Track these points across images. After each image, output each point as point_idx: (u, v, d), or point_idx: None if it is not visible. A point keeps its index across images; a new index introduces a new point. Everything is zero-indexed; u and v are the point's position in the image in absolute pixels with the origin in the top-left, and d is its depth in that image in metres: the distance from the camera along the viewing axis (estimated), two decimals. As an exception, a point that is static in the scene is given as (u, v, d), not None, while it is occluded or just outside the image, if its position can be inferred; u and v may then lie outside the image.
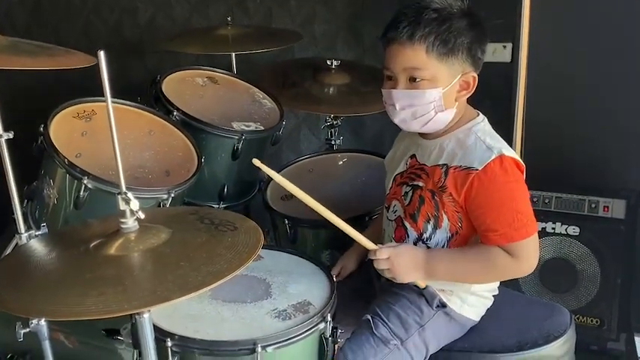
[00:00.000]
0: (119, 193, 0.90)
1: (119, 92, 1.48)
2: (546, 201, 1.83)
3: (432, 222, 1.20)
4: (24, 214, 1.30)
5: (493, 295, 1.30)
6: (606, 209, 1.77)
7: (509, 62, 1.96)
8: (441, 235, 1.21)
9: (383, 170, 1.42)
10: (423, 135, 1.25)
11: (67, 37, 2.61)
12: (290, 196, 1.70)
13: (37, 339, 1.19)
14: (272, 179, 1.74)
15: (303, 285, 1.19)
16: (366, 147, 2.07)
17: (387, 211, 1.30)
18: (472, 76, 1.17)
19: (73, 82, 1.78)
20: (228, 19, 2.02)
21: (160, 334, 1.02)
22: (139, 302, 0.79)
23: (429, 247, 1.22)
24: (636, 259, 1.79)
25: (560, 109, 1.88)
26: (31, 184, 1.48)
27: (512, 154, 1.15)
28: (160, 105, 1.65)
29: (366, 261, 1.41)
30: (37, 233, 1.24)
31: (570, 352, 1.28)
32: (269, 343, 1.02)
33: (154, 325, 0.99)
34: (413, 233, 1.23)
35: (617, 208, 1.76)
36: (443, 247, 1.21)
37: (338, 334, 1.13)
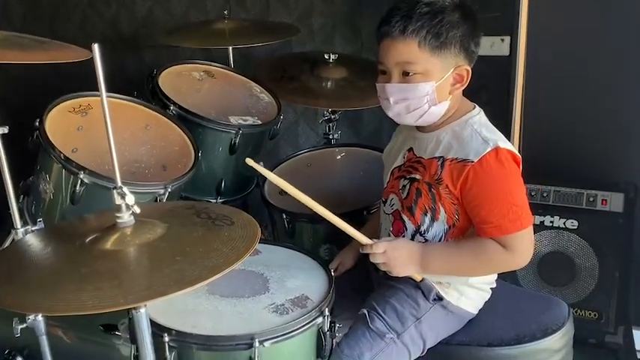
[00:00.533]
0: (115, 188, 0.90)
1: (116, 87, 1.48)
2: (544, 194, 1.83)
3: (429, 214, 1.20)
4: (20, 210, 1.29)
5: (491, 288, 1.31)
6: (604, 202, 1.77)
7: (507, 55, 1.96)
8: (438, 228, 1.21)
9: (381, 165, 1.42)
10: (419, 128, 1.25)
11: (64, 31, 2.60)
12: (288, 191, 1.70)
13: (34, 335, 1.19)
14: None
15: (301, 279, 1.19)
16: (364, 141, 2.07)
17: (385, 205, 1.30)
18: (465, 69, 1.17)
19: (69, 77, 1.77)
20: (225, 12, 2.01)
21: (157, 329, 1.02)
22: (134, 297, 0.78)
23: (426, 240, 1.22)
24: (634, 252, 1.79)
25: (558, 102, 1.87)
26: (27, 180, 1.48)
27: (509, 146, 1.16)
28: (157, 99, 1.65)
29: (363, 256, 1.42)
30: (33, 228, 1.24)
31: (568, 345, 1.28)
32: (266, 337, 1.02)
33: (151, 321, 0.98)
34: (411, 226, 1.23)
35: (615, 202, 1.76)
36: (440, 239, 1.21)
37: (336, 328, 1.13)
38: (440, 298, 1.24)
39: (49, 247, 1.00)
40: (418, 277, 1.22)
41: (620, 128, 1.83)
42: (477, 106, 1.24)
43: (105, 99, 0.87)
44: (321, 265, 1.25)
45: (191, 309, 1.10)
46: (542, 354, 1.23)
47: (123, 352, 1.25)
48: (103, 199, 1.21)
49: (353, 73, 1.99)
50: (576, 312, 1.78)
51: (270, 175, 1.14)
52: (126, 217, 0.92)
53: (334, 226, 1.56)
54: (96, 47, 0.83)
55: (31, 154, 1.43)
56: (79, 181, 1.29)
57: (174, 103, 1.61)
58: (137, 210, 0.90)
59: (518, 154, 1.17)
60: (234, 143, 1.64)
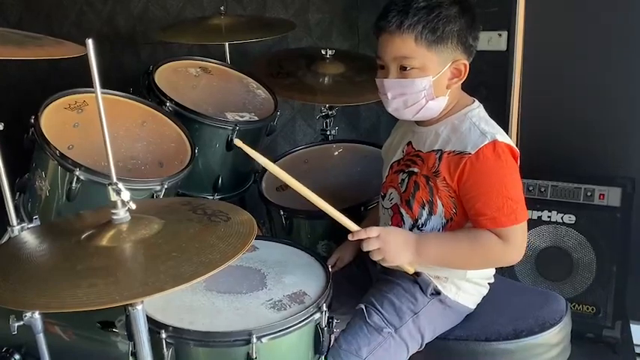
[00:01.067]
0: (110, 184, 0.89)
1: (113, 83, 1.47)
2: (542, 189, 1.83)
3: (426, 208, 1.20)
4: (16, 207, 1.28)
5: (489, 283, 1.31)
6: (602, 197, 1.77)
7: (504, 50, 1.96)
8: (435, 221, 1.21)
9: (378, 160, 1.42)
10: (419, 122, 1.26)
11: (60, 27, 2.59)
12: (285, 187, 1.69)
13: (31, 332, 1.18)
14: (266, 170, 1.75)
15: (299, 275, 1.19)
16: (362, 137, 2.07)
17: (383, 200, 1.30)
18: (463, 64, 1.17)
19: (66, 73, 1.76)
20: (222, 8, 2.00)
21: (154, 326, 1.02)
22: (130, 293, 0.78)
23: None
24: (632, 246, 1.79)
25: (555, 97, 1.87)
26: (23, 177, 1.47)
27: (507, 139, 1.16)
28: (153, 96, 1.64)
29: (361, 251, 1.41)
30: (29, 226, 1.23)
31: (566, 339, 1.28)
32: (264, 333, 1.02)
33: (148, 317, 0.98)
34: (408, 219, 1.23)
35: (612, 196, 1.76)
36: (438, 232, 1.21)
37: (334, 324, 1.13)
38: (437, 293, 1.24)
39: (44, 244, 0.99)
40: (410, 269, 1.20)
41: (618, 123, 1.83)
42: (476, 100, 1.24)
43: (99, 95, 0.86)
44: (319, 261, 1.24)
45: (188, 305, 1.09)
46: (540, 348, 1.24)
47: (121, 348, 1.25)
48: (99, 195, 1.20)
49: (350, 68, 1.98)
50: (574, 306, 1.78)
51: (258, 157, 1.11)
52: (121, 214, 0.91)
53: (331, 221, 1.57)
54: (90, 43, 0.82)
55: (27, 151, 1.42)
56: (75, 178, 1.28)
57: (171, 100, 1.61)
58: (133, 206, 0.90)
59: (517, 148, 1.17)
60: (231, 139, 1.63)
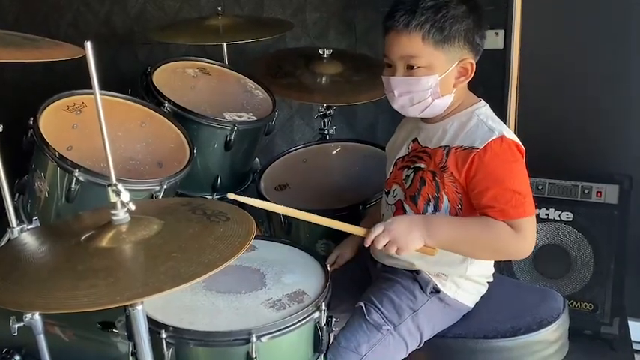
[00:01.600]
0: (109, 185, 0.90)
1: (111, 84, 1.47)
2: (540, 187, 1.84)
3: (432, 204, 1.21)
4: (15, 209, 1.29)
5: (488, 282, 1.31)
6: (599, 194, 1.77)
7: (501, 49, 1.96)
8: None
9: (377, 159, 1.43)
10: (425, 119, 1.27)
11: (57, 28, 2.59)
12: (284, 187, 1.70)
13: (32, 333, 1.19)
14: (265, 170, 1.76)
15: (298, 275, 1.19)
16: (360, 136, 2.07)
17: (387, 196, 1.31)
18: (470, 63, 1.18)
19: (65, 75, 1.76)
20: (219, 9, 2.00)
21: (155, 326, 1.02)
22: (130, 293, 0.78)
23: None
24: (629, 243, 1.80)
25: (553, 95, 1.88)
26: (22, 178, 1.47)
27: (513, 137, 1.17)
28: (151, 96, 1.64)
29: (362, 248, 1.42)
30: (28, 227, 1.24)
31: (564, 336, 1.29)
32: (263, 332, 1.02)
33: (148, 317, 0.98)
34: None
35: (610, 194, 1.76)
36: None
37: (333, 322, 1.13)
38: (437, 291, 1.24)
39: (44, 246, 0.99)
40: (431, 251, 1.15)
41: (615, 120, 1.84)
42: (482, 100, 1.25)
43: (98, 97, 0.86)
44: (318, 260, 1.25)
45: (188, 305, 1.10)
46: (538, 345, 1.24)
47: (121, 349, 1.25)
48: (99, 196, 1.21)
49: (348, 68, 1.98)
50: (572, 303, 1.79)
51: (255, 202, 1.12)
52: (121, 215, 0.92)
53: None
54: (88, 45, 0.83)
55: (27, 153, 1.42)
56: (74, 179, 1.28)
57: (169, 100, 1.61)
58: (132, 207, 0.90)
59: (522, 146, 1.18)
60: (230, 140, 1.64)
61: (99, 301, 0.77)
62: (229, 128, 1.63)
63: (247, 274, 1.19)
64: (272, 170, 1.76)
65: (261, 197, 1.65)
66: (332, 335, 1.17)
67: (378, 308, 1.22)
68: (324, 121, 2.00)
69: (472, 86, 1.24)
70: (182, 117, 1.60)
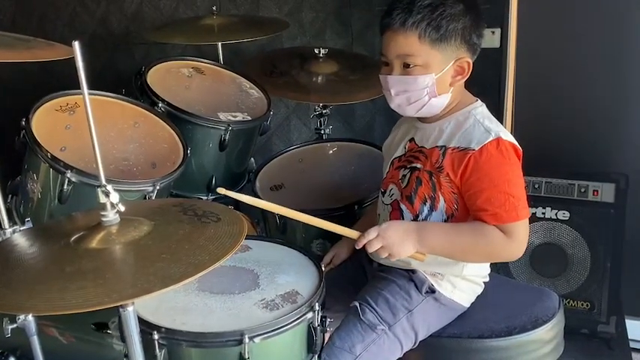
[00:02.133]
0: (99, 186, 0.89)
1: (108, 84, 1.47)
2: (536, 186, 1.83)
3: (428, 203, 1.20)
4: (8, 210, 1.28)
5: (484, 282, 1.31)
6: (596, 193, 1.77)
7: (497, 47, 1.95)
8: (436, 217, 1.21)
9: (373, 159, 1.43)
10: (421, 119, 1.26)
11: (53, 28, 2.59)
12: (279, 187, 1.69)
13: (26, 334, 1.18)
14: (260, 169, 1.75)
15: (292, 275, 1.19)
16: (356, 136, 2.07)
17: (383, 196, 1.30)
18: (466, 62, 1.18)
19: (60, 75, 1.75)
20: (214, 8, 1.99)
21: (147, 327, 1.02)
22: (119, 295, 0.78)
23: None
24: (625, 242, 1.79)
25: (549, 94, 1.87)
26: (15, 179, 1.47)
27: (510, 138, 1.16)
28: (146, 96, 1.64)
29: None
30: (21, 228, 1.23)
31: (559, 336, 1.28)
32: (256, 333, 1.02)
33: (141, 318, 0.98)
34: (408, 215, 1.23)
35: (606, 192, 1.76)
36: None
37: (327, 323, 1.13)
38: (432, 291, 1.24)
39: (34, 247, 0.99)
40: (421, 257, 1.18)
41: (611, 119, 1.83)
42: (479, 99, 1.25)
43: (87, 96, 0.86)
44: (312, 261, 1.24)
45: (181, 306, 1.09)
46: (533, 345, 1.24)
47: (116, 349, 1.24)
48: (91, 197, 1.19)
49: (344, 67, 1.98)
50: (568, 302, 1.79)
51: (245, 198, 1.11)
52: (111, 216, 0.91)
53: (329, 219, 1.56)
54: (76, 45, 0.82)
55: (19, 154, 1.42)
56: (67, 180, 1.28)
57: (163, 100, 1.61)
58: (122, 208, 0.90)
59: (519, 147, 1.17)
60: (224, 139, 1.63)
61: (87, 302, 0.77)
62: (224, 128, 1.63)
63: (241, 275, 1.19)
64: (267, 170, 1.76)
65: (257, 197, 1.64)
66: (326, 335, 1.16)
67: (373, 308, 1.22)
68: (321, 121, 2.00)
69: (468, 85, 1.24)
70: (176, 117, 1.59)
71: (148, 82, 1.66)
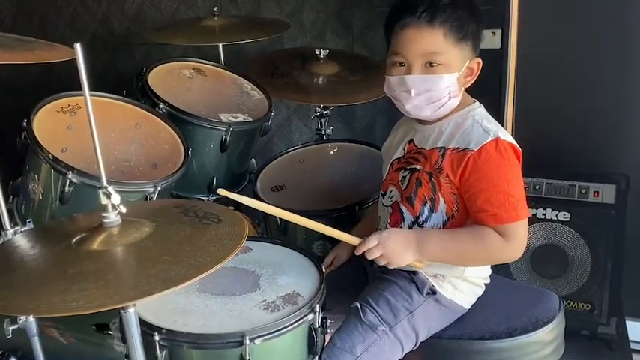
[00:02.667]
0: (100, 188, 0.90)
1: (109, 85, 1.47)
2: (537, 187, 1.83)
3: (428, 205, 1.20)
4: (9, 211, 1.29)
5: (485, 283, 1.31)
6: (596, 194, 1.77)
7: (498, 49, 1.95)
8: (437, 219, 1.21)
9: (374, 160, 1.43)
10: (420, 121, 1.26)
11: (54, 29, 2.59)
12: (280, 188, 1.70)
13: (27, 335, 1.18)
14: (261, 170, 1.75)
15: (292, 276, 1.19)
16: (357, 136, 2.07)
17: (383, 198, 1.30)
18: (477, 62, 1.19)
19: (59, 76, 1.76)
20: (215, 9, 2.00)
21: (148, 328, 1.02)
22: (120, 297, 0.78)
23: None
24: (626, 243, 1.79)
25: (550, 95, 1.87)
26: (16, 180, 1.47)
27: (509, 138, 1.16)
28: (147, 98, 1.64)
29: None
30: (22, 229, 1.23)
31: (559, 337, 1.28)
32: (257, 335, 1.02)
33: (142, 320, 0.98)
34: (409, 216, 1.23)
35: (607, 194, 1.76)
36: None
37: (328, 324, 1.13)
38: (434, 292, 1.24)
39: (36, 248, 0.99)
40: (419, 265, 1.19)
41: (612, 120, 1.83)
42: (476, 100, 1.25)
43: (88, 98, 0.86)
44: (312, 262, 1.24)
45: (182, 307, 1.09)
46: (534, 346, 1.24)
47: (117, 350, 1.25)
48: (93, 199, 1.20)
49: (344, 68, 1.98)
50: (569, 303, 1.78)
51: (246, 200, 1.10)
52: (112, 217, 0.91)
53: (327, 222, 1.56)
54: (78, 47, 0.83)
55: (21, 155, 1.42)
56: (68, 182, 1.28)
57: (164, 101, 1.61)
58: (123, 210, 0.90)
59: (518, 147, 1.17)
60: (225, 141, 1.63)
61: (88, 304, 0.77)
62: (225, 129, 1.63)
63: (242, 276, 1.19)
64: (268, 171, 1.76)
65: (257, 198, 1.65)
66: (327, 337, 1.16)
67: (374, 309, 1.22)
68: (322, 122, 2.00)
69: (469, 86, 1.24)
70: (177, 118, 1.59)
71: (149, 84, 1.67)
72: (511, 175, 1.14)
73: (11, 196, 1.47)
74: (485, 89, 1.85)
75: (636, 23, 1.75)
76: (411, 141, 1.27)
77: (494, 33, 1.98)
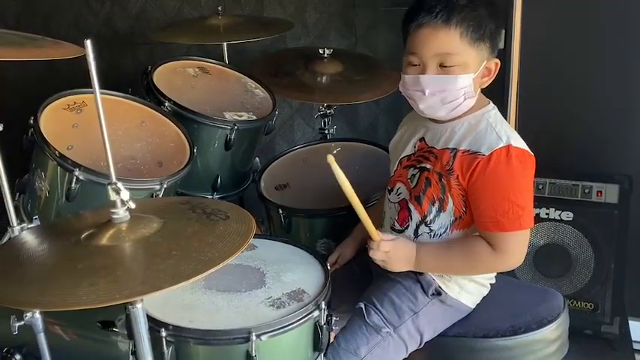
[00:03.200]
0: (109, 184, 0.90)
1: (111, 84, 1.47)
2: (540, 187, 1.83)
3: (436, 204, 1.20)
4: (16, 208, 1.29)
5: (490, 284, 1.31)
6: (599, 194, 1.77)
7: (501, 48, 1.96)
8: (444, 219, 1.21)
9: (377, 159, 1.43)
10: (433, 119, 1.25)
11: (58, 28, 2.60)
12: (284, 186, 1.70)
13: (32, 332, 1.18)
14: (265, 169, 1.76)
15: (298, 273, 1.19)
16: (360, 136, 2.07)
17: (390, 194, 1.30)
18: (495, 63, 1.18)
19: (66, 74, 1.76)
20: (219, 8, 2.00)
21: (154, 324, 1.02)
22: (130, 292, 0.78)
23: (431, 230, 1.22)
24: (629, 243, 1.80)
25: (553, 95, 1.87)
26: (23, 177, 1.47)
27: (522, 145, 1.15)
28: (152, 96, 1.64)
29: (365, 246, 1.42)
30: (29, 226, 1.24)
31: (564, 336, 1.29)
32: (263, 331, 1.02)
33: (148, 316, 0.98)
34: (416, 215, 1.23)
35: (610, 193, 1.76)
36: (445, 230, 1.22)
37: (333, 321, 1.13)
38: (438, 294, 1.24)
39: (44, 244, 0.99)
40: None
41: (615, 120, 1.83)
42: (491, 101, 1.24)
43: (98, 95, 0.86)
44: (317, 260, 1.25)
45: (188, 304, 1.10)
46: (538, 345, 1.24)
47: (121, 347, 1.25)
48: (99, 195, 1.21)
49: (348, 67, 1.98)
50: (572, 303, 1.79)
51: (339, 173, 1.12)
52: (121, 213, 0.92)
53: (331, 219, 1.57)
54: (88, 43, 0.83)
55: (27, 152, 1.42)
56: (75, 178, 1.28)
57: (169, 100, 1.61)
58: (132, 205, 0.90)
59: (531, 153, 1.16)
60: (230, 139, 1.64)
61: (98, 299, 0.77)
62: (229, 127, 1.63)
63: (247, 273, 1.19)
64: (272, 170, 1.77)
65: (262, 197, 1.65)
66: (332, 334, 1.17)
67: (378, 310, 1.22)
68: (325, 121, 2.00)
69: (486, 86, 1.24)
70: (182, 116, 1.60)
71: (154, 82, 1.67)
72: (519, 184, 1.14)
73: (17, 193, 1.47)
74: (489, 88, 1.86)
75: (640, 23, 1.76)
76: (422, 139, 1.26)
77: (497, 33, 1.98)
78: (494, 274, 1.31)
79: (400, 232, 1.26)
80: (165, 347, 1.02)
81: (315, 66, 1.96)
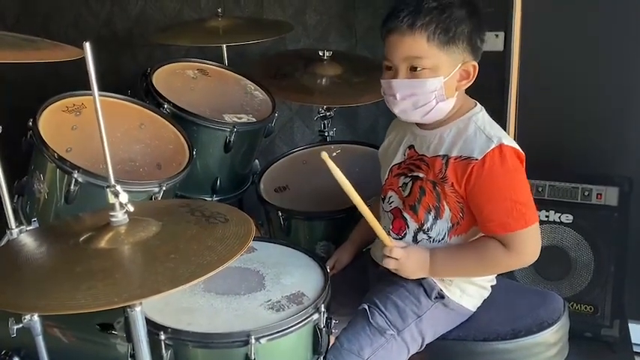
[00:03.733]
0: (108, 187, 0.90)
1: (110, 86, 1.47)
2: (540, 189, 1.83)
3: (432, 212, 1.20)
4: (14, 210, 1.29)
5: (491, 286, 1.31)
6: (599, 197, 1.77)
7: (501, 51, 1.96)
8: (442, 226, 1.21)
9: (377, 161, 1.42)
10: (421, 125, 1.25)
11: (57, 29, 2.59)
12: (283, 188, 1.70)
13: (31, 335, 1.18)
14: (264, 171, 1.75)
15: (297, 276, 1.19)
16: (360, 138, 2.07)
17: (383, 202, 1.30)
18: (472, 65, 1.17)
19: (65, 76, 1.76)
20: (219, 10, 2.00)
21: (153, 328, 1.02)
22: (128, 295, 0.78)
23: (430, 237, 1.22)
24: (629, 245, 1.80)
25: (553, 97, 1.88)
26: (22, 179, 1.47)
27: (512, 143, 1.15)
28: (151, 98, 1.64)
29: (363, 250, 1.42)
30: (27, 228, 1.23)
31: (564, 338, 1.28)
32: (263, 334, 1.02)
33: (147, 319, 0.98)
34: (413, 224, 1.23)
35: (610, 196, 1.76)
36: (444, 236, 1.21)
37: (332, 324, 1.13)
38: (441, 297, 1.24)
39: (43, 247, 0.99)
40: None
41: (615, 122, 1.84)
42: (477, 103, 1.24)
43: (97, 97, 0.86)
44: (317, 262, 1.25)
45: (187, 307, 1.09)
46: (538, 348, 1.24)
47: (120, 350, 1.25)
48: (98, 198, 1.21)
49: (347, 69, 1.98)
50: (572, 306, 1.79)
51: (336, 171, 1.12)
52: (120, 216, 0.91)
53: (330, 222, 1.57)
54: (87, 45, 0.83)
55: (26, 154, 1.42)
56: (73, 181, 1.28)
57: (169, 102, 1.61)
58: (131, 208, 0.90)
59: (522, 151, 1.16)
60: (229, 141, 1.63)
61: (97, 302, 0.77)
62: (229, 130, 1.63)
63: (247, 276, 1.19)
64: (272, 172, 1.76)
65: (261, 199, 1.65)
66: (331, 337, 1.16)
67: (382, 312, 1.22)
68: (324, 123, 2.00)
69: (472, 88, 1.24)
70: (181, 118, 1.59)
71: (154, 84, 1.67)
72: (516, 182, 1.14)
73: (16, 196, 1.47)
74: (488, 91, 1.85)
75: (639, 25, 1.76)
76: (411, 146, 1.26)
77: (497, 35, 1.98)
78: (495, 275, 1.31)
79: (396, 240, 1.25)
80: (164, 350, 1.02)
81: (314, 68, 1.96)
